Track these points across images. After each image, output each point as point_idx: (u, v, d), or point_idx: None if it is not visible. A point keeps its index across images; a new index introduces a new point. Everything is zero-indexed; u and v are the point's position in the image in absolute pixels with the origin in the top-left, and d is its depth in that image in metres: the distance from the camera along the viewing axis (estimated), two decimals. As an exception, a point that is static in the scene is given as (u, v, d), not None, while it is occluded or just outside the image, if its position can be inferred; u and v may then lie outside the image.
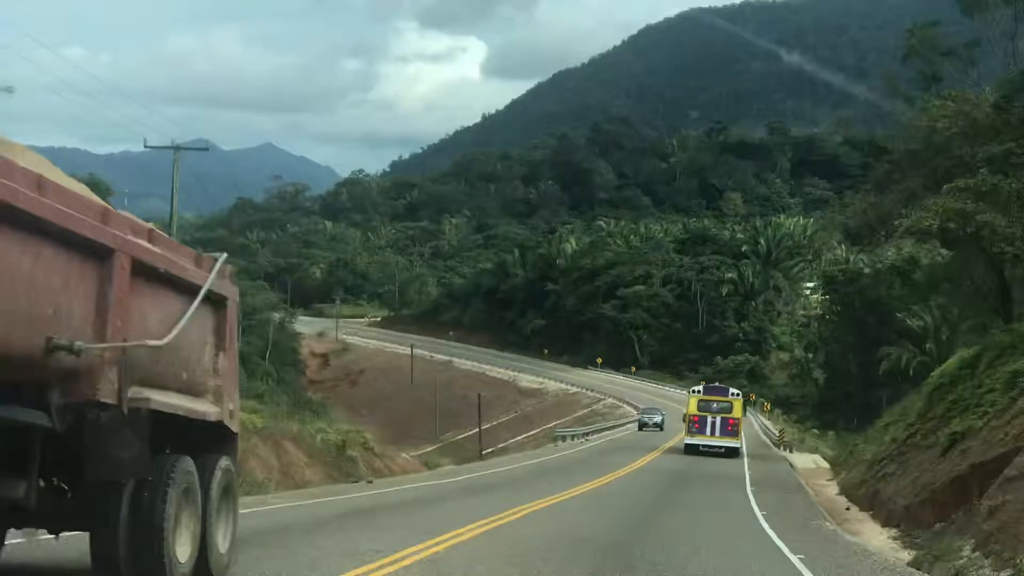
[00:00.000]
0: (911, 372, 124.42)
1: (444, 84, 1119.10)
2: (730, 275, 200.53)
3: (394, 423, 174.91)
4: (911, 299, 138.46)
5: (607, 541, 25.96)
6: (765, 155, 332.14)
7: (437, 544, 22.53)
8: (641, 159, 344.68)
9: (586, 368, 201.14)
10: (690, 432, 76.92)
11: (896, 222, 41.68)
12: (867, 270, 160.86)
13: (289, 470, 39.64)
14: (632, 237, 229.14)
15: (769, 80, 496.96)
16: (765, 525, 33.25)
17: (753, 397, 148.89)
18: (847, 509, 44.46)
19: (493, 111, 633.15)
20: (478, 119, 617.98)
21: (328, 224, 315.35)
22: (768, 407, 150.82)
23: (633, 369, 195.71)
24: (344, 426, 56.04)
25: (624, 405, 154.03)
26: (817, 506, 45.22)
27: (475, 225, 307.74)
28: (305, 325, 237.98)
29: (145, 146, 76.04)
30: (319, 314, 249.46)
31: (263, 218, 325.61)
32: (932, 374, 52.81)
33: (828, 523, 37.23)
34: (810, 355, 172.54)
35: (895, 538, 33.42)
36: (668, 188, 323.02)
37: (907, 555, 28.71)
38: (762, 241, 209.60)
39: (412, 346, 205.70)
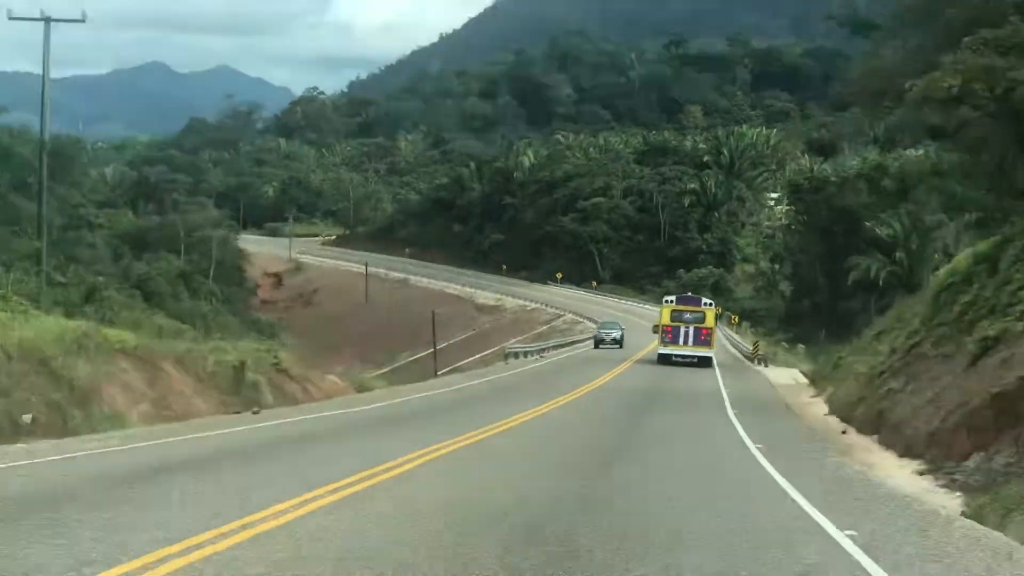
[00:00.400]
0: (880, 282, 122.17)
1: (401, 4, 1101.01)
2: (692, 185, 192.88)
3: (350, 344, 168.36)
4: (879, 207, 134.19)
5: (531, 521, 16.44)
6: (725, 67, 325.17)
7: (268, 518, 15.10)
8: (599, 73, 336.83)
9: (546, 284, 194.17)
10: (663, 342, 75.96)
11: (907, 85, 33.39)
12: (833, 178, 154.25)
13: (167, 399, 31.54)
14: (591, 149, 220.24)
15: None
16: (774, 472, 24.24)
17: (720, 310, 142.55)
18: (844, 433, 37.48)
19: (451, 31, 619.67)
20: (436, 39, 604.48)
21: (282, 142, 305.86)
22: (736, 320, 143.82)
23: (594, 284, 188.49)
24: (252, 344, 47.53)
25: (584, 320, 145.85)
26: (818, 432, 38.26)
27: (431, 141, 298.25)
28: (258, 244, 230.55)
29: (10, 18, 68.47)
30: (273, 233, 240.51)
31: (216, 138, 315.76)
32: (938, 273, 45.00)
33: (846, 460, 29.15)
34: (776, 267, 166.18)
35: (921, 473, 26.17)
36: (628, 102, 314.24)
37: (953, 500, 21.14)
38: (724, 151, 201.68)
39: (366, 264, 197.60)
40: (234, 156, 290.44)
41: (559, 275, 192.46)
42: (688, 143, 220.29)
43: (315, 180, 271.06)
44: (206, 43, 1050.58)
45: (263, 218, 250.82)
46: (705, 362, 73.82)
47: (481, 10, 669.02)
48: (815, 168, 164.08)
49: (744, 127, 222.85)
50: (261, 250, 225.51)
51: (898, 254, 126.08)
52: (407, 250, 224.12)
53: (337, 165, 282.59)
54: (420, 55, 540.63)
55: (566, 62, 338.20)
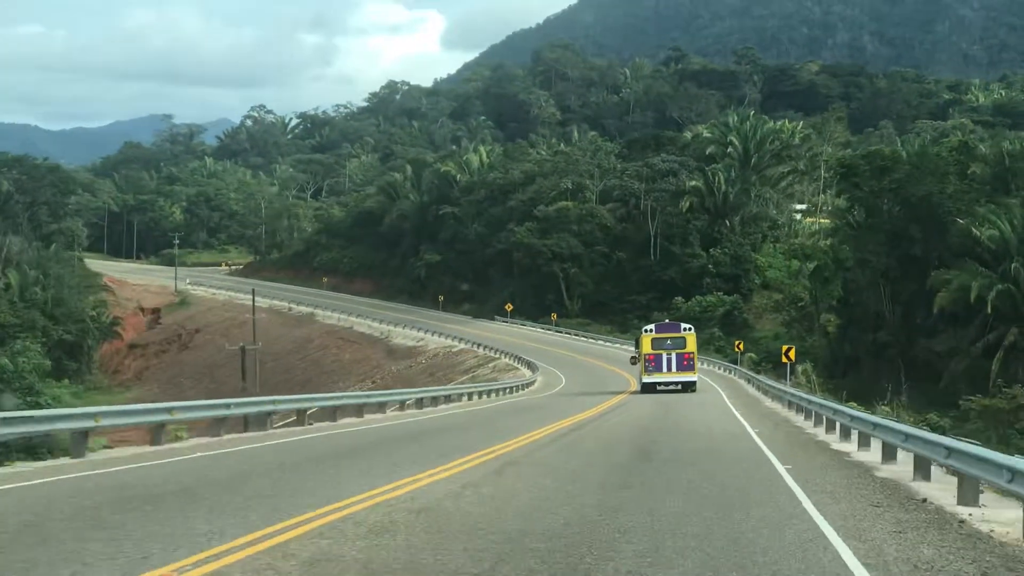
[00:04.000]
0: (990, 308, 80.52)
1: (403, 58, 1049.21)
2: (693, 183, 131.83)
3: (218, 396, 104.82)
4: (971, 198, 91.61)
5: None
6: (732, 84, 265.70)
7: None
8: (588, 90, 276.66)
9: (492, 319, 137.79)
10: (647, 371, 68.46)
11: None
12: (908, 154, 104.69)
13: None
14: (561, 145, 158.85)
15: (730, 38, 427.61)
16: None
17: (740, 347, 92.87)
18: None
19: (445, 75, 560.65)
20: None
21: (208, 160, 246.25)
22: (806, 374, 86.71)
23: (554, 317, 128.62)
24: None
25: (521, 367, 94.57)
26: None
27: (380, 157, 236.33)
28: (144, 274, 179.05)
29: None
30: (169, 262, 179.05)
31: (149, 159, 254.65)
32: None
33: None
34: (814, 290, 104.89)
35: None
36: (620, 122, 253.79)
37: None
38: (734, 139, 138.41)
39: (253, 295, 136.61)
40: (150, 176, 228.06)
41: (509, 307, 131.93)
42: (687, 134, 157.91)
43: (231, 200, 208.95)
44: (209, 96, 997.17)
45: (166, 243, 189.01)
46: (689, 387, 67.98)
47: (474, 59, 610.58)
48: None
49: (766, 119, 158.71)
50: (146, 281, 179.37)
51: (1015, 265, 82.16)
52: (324, 279, 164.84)
53: (269, 187, 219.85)
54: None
55: (550, 78, 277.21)
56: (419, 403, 51.86)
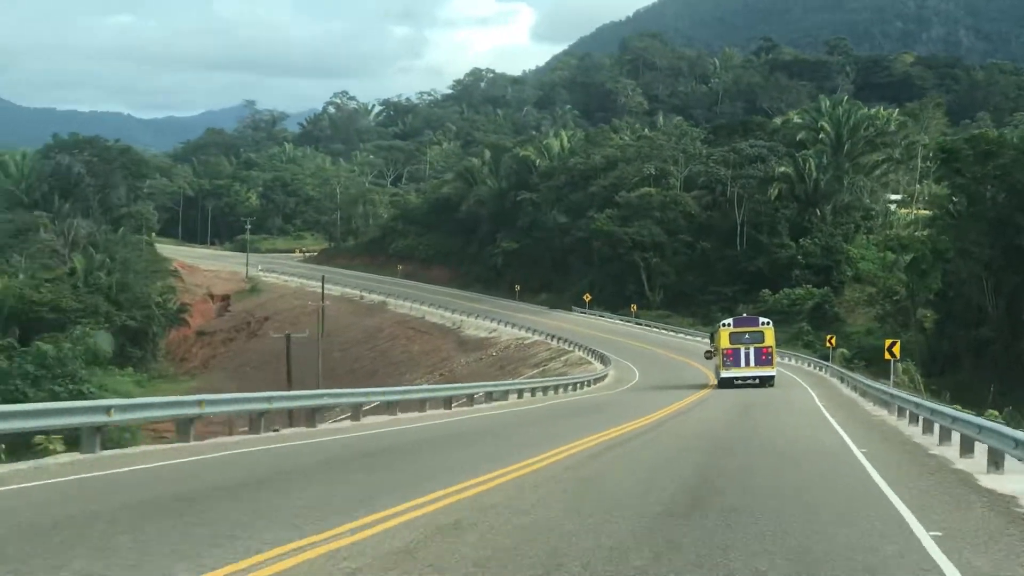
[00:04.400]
0: None
1: (492, 50, 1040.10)
2: (782, 169, 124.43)
3: (279, 388, 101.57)
4: None
5: None
6: (824, 75, 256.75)
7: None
8: (677, 80, 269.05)
9: (570, 310, 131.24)
10: (725, 366, 66.41)
11: None
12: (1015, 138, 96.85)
13: None
14: (645, 130, 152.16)
15: (821, 32, 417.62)
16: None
17: (832, 342, 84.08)
18: None
19: (533, 68, 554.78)
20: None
21: (288, 146, 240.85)
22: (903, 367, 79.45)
23: (633, 309, 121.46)
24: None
25: (594, 362, 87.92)
26: None
27: (461, 144, 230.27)
28: (216, 260, 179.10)
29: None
30: (242, 248, 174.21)
31: (229, 145, 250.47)
32: None
33: None
34: (910, 283, 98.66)
35: None
36: (709, 112, 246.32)
37: None
38: (826, 124, 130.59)
39: (323, 279, 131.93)
40: (220, 161, 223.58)
41: (587, 297, 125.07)
42: (777, 120, 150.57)
43: (307, 185, 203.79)
44: (297, 87, 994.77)
45: (242, 229, 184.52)
46: (767, 382, 65.48)
47: (560, 51, 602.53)
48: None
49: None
50: (218, 267, 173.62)
51: None
52: (399, 267, 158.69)
53: (347, 173, 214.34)
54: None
55: (637, 67, 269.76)
56: (475, 399, 49.02)
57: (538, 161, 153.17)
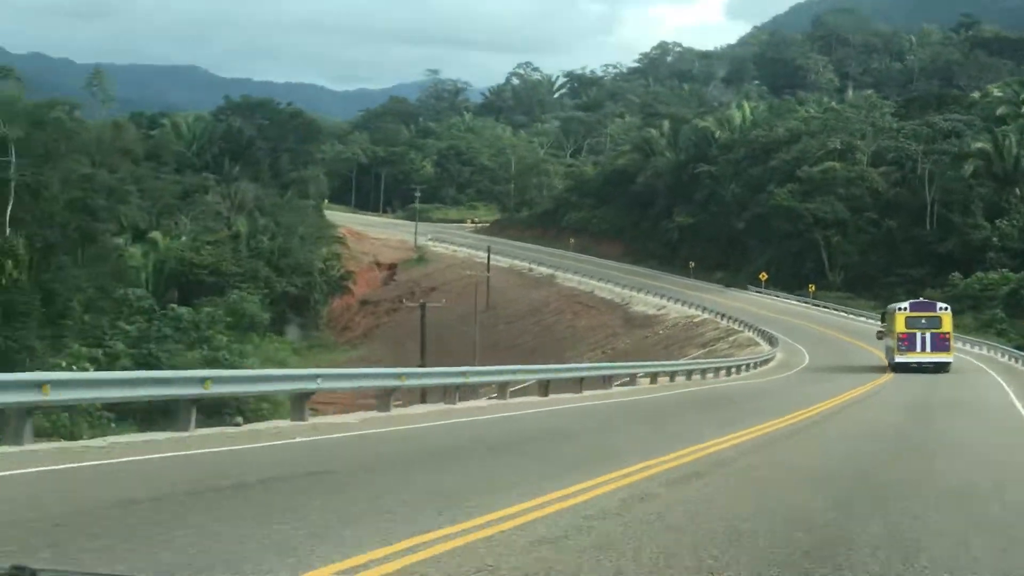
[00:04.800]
0: None
1: (685, 28, 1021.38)
2: (979, 145, 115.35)
3: (439, 361, 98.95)
4: None
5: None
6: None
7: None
8: (870, 56, 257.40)
9: (744, 289, 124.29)
10: (899, 350, 63.48)
11: None
12: None
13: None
14: (833, 103, 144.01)
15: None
16: None
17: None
18: None
19: (724, 45, 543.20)
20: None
21: (467, 115, 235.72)
22: None
23: (811, 289, 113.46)
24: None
25: (763, 343, 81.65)
26: None
27: (643, 118, 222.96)
28: (387, 228, 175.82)
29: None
30: (413, 216, 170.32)
31: (410, 114, 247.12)
32: None
33: None
34: None
35: None
36: (903, 90, 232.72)
37: None
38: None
39: (489, 249, 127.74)
40: (397, 128, 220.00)
41: (763, 276, 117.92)
42: (975, 94, 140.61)
43: (484, 156, 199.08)
44: (487, 61, 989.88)
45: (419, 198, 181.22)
46: (943, 367, 62.33)
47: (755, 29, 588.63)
48: None
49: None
50: (387, 235, 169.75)
51: None
52: (571, 240, 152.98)
53: (527, 143, 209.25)
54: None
55: (829, 43, 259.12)
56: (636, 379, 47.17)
57: (718, 133, 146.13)
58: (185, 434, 19.27)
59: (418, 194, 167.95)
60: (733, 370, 59.03)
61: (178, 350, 75.97)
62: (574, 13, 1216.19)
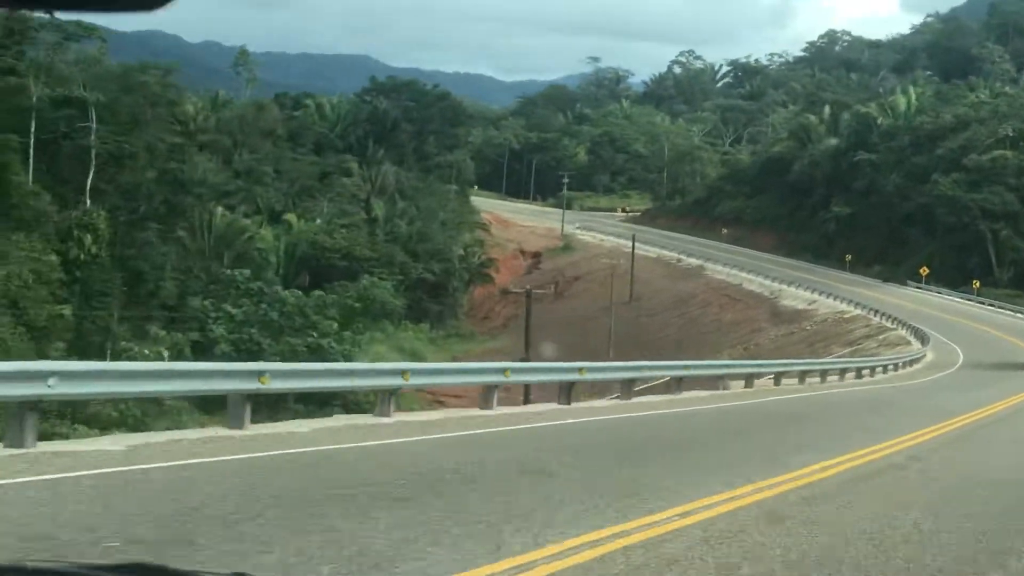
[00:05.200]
0: None
1: (858, 20, 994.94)
2: None
3: (573, 356, 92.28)
4: None
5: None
6: None
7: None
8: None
9: (903, 284, 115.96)
10: None
11: None
12: None
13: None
14: (1006, 88, 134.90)
15: None
16: None
17: None
18: None
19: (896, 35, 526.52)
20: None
21: (625, 103, 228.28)
22: None
23: (975, 285, 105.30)
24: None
25: (913, 342, 74.07)
26: None
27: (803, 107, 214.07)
28: (535, 216, 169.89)
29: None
30: (566, 204, 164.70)
31: (567, 101, 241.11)
32: None
33: None
34: None
35: None
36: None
37: None
38: None
39: (633, 237, 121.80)
40: (553, 115, 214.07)
41: (923, 271, 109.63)
42: None
43: (638, 143, 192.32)
44: (655, 52, 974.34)
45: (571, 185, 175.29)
46: None
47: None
48: None
49: None
50: (534, 223, 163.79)
51: None
52: (724, 230, 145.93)
53: (685, 131, 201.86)
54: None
55: (1007, 32, 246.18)
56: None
57: (880, 119, 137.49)
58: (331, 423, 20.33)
59: (566, 180, 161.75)
60: (879, 370, 53.05)
61: (283, 336, 71.50)
62: (746, 5, 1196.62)
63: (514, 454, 17.08)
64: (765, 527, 11.51)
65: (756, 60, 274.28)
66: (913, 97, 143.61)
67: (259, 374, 18.54)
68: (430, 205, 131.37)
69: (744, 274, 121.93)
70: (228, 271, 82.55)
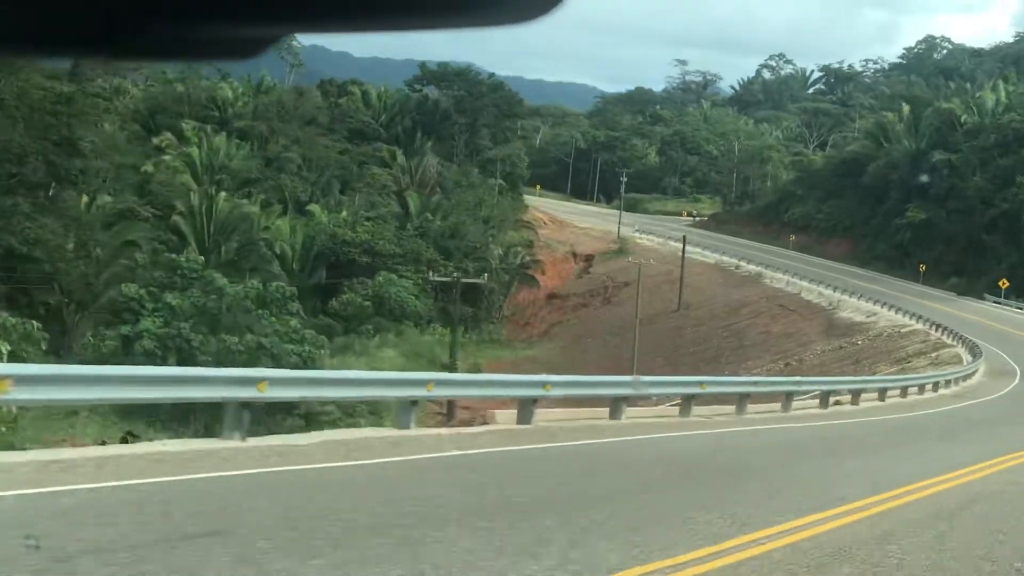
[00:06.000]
0: None
1: (969, 37, 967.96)
2: None
3: (613, 364, 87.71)
4: None
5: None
6: None
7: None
8: None
9: (981, 299, 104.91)
10: None
11: None
12: None
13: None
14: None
15: None
16: None
17: None
18: None
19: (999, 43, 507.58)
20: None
21: (705, 105, 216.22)
22: None
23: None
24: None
25: (965, 359, 64.13)
26: None
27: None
28: (596, 218, 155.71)
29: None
30: (631, 208, 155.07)
31: (648, 103, 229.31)
32: None
33: None
34: None
35: None
36: None
37: None
38: None
39: (684, 239, 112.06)
40: (623, 114, 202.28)
41: (1003, 283, 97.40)
42: None
43: (711, 144, 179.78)
44: (754, 68, 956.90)
45: (633, 187, 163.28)
46: None
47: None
48: None
49: None
50: (591, 224, 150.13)
51: None
52: (792, 237, 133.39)
53: (764, 135, 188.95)
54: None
55: None
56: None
57: (964, 116, 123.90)
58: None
59: (624, 179, 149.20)
60: (912, 389, 45.22)
61: (218, 332, 60.64)
62: (855, 22, 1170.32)
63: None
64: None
65: (849, 66, 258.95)
66: (1003, 94, 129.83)
67: (257, 381, 17.46)
68: (466, 199, 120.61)
69: (804, 283, 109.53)
70: (176, 257, 71.92)
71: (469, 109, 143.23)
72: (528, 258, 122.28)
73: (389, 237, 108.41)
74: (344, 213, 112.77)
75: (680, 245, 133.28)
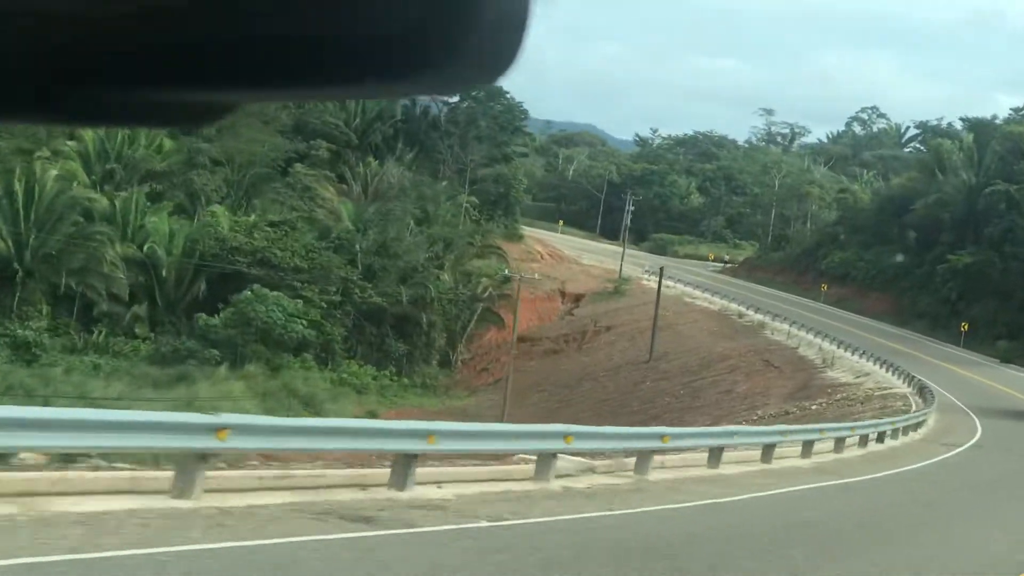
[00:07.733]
0: None
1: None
2: None
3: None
4: None
5: None
6: None
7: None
8: None
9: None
10: None
11: None
12: None
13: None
14: None
15: None
16: None
17: None
18: None
19: None
20: None
21: (772, 148, 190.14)
22: None
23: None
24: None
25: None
26: None
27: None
28: (600, 255, 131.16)
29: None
30: (662, 250, 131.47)
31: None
32: None
33: None
34: None
35: None
36: None
37: None
38: None
39: (661, 270, 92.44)
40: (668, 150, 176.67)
41: (1049, 345, 71.88)
42: None
43: (757, 185, 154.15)
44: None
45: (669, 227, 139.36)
46: None
47: None
48: None
49: None
50: (596, 262, 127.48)
51: None
52: (824, 287, 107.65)
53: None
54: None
55: None
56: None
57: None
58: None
59: (631, 207, 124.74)
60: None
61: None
62: (983, 103, 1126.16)
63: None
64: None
65: (949, 124, 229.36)
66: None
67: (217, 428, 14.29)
68: (412, 212, 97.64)
69: (809, 336, 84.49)
70: None
71: (463, 120, 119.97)
72: (493, 292, 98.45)
73: (295, 248, 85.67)
74: (252, 217, 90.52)
75: (685, 288, 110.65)
